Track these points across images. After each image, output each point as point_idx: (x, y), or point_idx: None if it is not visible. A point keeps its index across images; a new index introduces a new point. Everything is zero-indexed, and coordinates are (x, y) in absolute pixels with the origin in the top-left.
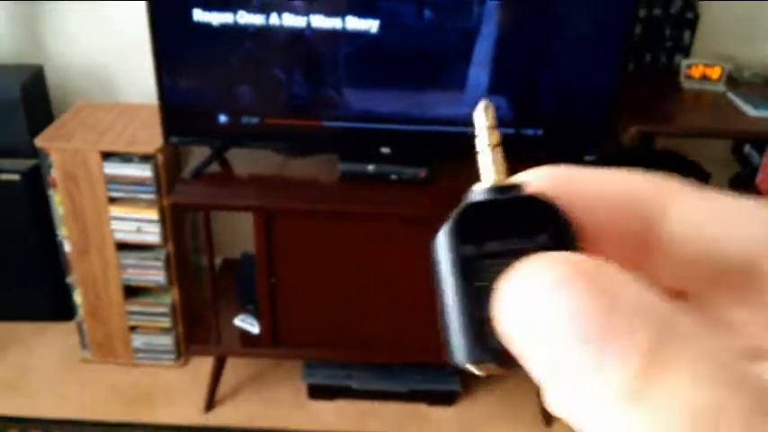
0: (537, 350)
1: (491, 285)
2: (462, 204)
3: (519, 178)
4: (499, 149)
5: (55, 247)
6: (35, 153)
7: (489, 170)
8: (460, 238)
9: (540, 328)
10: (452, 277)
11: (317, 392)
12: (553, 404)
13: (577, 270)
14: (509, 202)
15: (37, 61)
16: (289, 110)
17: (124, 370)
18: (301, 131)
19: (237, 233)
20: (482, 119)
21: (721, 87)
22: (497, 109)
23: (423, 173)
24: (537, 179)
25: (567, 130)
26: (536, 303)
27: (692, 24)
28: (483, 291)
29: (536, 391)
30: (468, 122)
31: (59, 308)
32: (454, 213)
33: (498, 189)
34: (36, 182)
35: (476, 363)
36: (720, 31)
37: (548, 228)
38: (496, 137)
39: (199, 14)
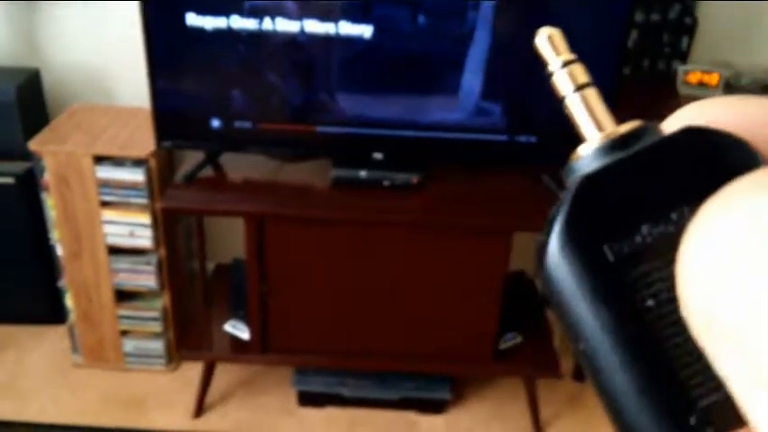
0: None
1: (663, 300)
2: (573, 181)
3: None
4: (593, 89)
5: (48, 250)
6: (29, 156)
7: (590, 122)
8: (589, 238)
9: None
10: (597, 310)
11: (307, 399)
12: None
13: None
14: (644, 155)
15: (33, 64)
16: (282, 115)
17: (115, 375)
18: (294, 137)
19: (232, 238)
20: (551, 53)
21: (719, 94)
22: (492, 115)
23: (415, 179)
24: (683, 120)
25: (561, 137)
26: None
27: (691, 30)
28: (654, 314)
29: (527, 400)
30: (462, 128)
31: (52, 311)
32: (565, 201)
33: (618, 142)
34: (30, 185)
35: None
36: (719, 38)
37: (719, 178)
38: (583, 73)
39: (192, 19)
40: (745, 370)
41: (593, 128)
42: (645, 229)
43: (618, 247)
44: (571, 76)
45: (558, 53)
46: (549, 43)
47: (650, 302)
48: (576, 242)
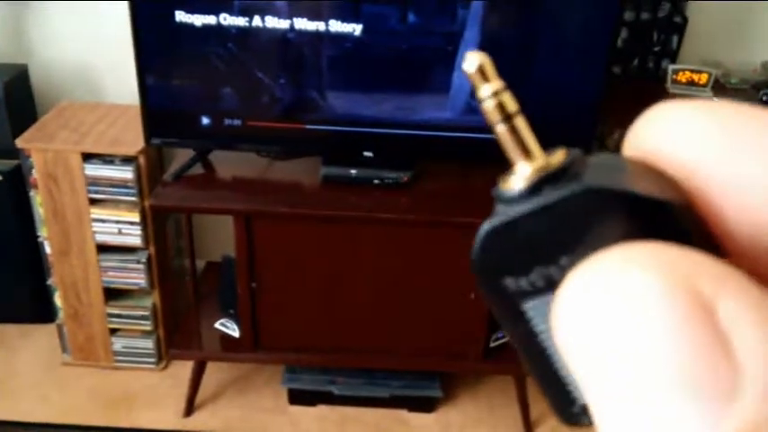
0: (614, 382)
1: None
2: (495, 214)
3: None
4: (520, 118)
5: (37, 248)
6: (17, 153)
7: (517, 151)
8: (493, 271)
9: (620, 355)
10: (504, 326)
11: (298, 398)
12: None
13: (679, 278)
14: (548, 209)
15: (21, 60)
16: (272, 112)
17: (104, 373)
18: (284, 134)
19: (222, 236)
20: (478, 79)
21: (708, 93)
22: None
23: (405, 177)
24: (656, 121)
25: (551, 135)
26: (611, 322)
27: (680, 29)
28: (545, 335)
29: (517, 398)
30: (452, 126)
31: (41, 310)
32: (484, 230)
33: (537, 186)
34: (18, 183)
35: (572, 423)
36: (709, 37)
37: (602, 238)
38: (511, 101)
39: (181, 16)
40: (587, 389)
41: (521, 157)
42: (537, 269)
43: (516, 281)
44: (500, 105)
45: (486, 79)
46: (477, 71)
47: (541, 327)
48: (484, 273)
